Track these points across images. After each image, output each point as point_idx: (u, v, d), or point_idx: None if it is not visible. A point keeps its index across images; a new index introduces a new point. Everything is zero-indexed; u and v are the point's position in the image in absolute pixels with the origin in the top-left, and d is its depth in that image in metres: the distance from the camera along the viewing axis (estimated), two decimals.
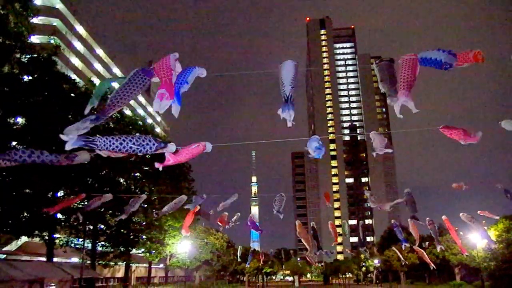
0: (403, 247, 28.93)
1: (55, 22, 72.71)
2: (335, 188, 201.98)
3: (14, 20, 25.37)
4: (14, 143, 27.73)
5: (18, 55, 27.67)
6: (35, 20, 36.05)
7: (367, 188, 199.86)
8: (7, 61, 26.09)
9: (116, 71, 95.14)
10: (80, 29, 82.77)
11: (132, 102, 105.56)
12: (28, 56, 28.05)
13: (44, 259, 36.53)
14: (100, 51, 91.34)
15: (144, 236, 45.04)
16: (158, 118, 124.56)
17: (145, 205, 40.68)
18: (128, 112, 70.58)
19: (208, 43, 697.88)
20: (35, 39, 48.76)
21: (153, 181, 43.47)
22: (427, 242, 55.56)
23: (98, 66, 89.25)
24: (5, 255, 38.29)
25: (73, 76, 40.85)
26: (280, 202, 15.68)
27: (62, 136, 5.87)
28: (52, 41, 38.14)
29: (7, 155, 7.14)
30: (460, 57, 7.17)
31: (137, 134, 7.02)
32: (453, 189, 17.17)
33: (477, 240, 37.26)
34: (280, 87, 7.84)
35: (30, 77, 28.72)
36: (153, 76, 7.15)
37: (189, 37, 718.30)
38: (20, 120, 28.50)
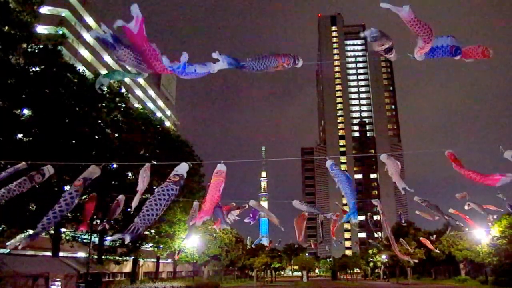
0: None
1: (64, 12, 71.88)
2: None
3: (18, 8, 24.69)
4: (20, 135, 27.13)
5: (24, 46, 27.01)
6: (43, 10, 35.44)
7: (376, 184, 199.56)
8: (12, 51, 25.41)
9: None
10: (89, 20, 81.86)
11: (141, 95, 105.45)
12: (34, 47, 27.33)
13: (49, 253, 36.00)
14: None
15: (152, 231, 44.50)
16: (168, 112, 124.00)
17: None
18: (137, 105, 70.21)
19: (217, 38, 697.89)
20: (43, 29, 48.14)
21: (161, 177, 42.83)
22: (435, 236, 56.45)
23: (108, 59, 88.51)
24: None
25: (82, 68, 40.25)
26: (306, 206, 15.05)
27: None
28: (60, 32, 37.36)
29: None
30: (469, 51, 7.08)
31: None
32: (460, 192, 16.65)
33: (482, 235, 39.61)
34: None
35: (37, 68, 28.06)
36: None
37: (200, 31, 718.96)
38: (26, 112, 27.87)
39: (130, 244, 41.66)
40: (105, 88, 36.07)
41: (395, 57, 7.05)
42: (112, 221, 38.45)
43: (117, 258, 43.84)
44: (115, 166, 35.63)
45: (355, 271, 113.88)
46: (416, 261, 47.30)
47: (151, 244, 48.35)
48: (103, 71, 77.78)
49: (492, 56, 7.04)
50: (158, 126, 47.64)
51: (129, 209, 37.01)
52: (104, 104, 36.12)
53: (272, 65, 6.97)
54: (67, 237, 36.75)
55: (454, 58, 6.98)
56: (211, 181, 8.44)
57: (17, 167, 9.12)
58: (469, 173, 8.50)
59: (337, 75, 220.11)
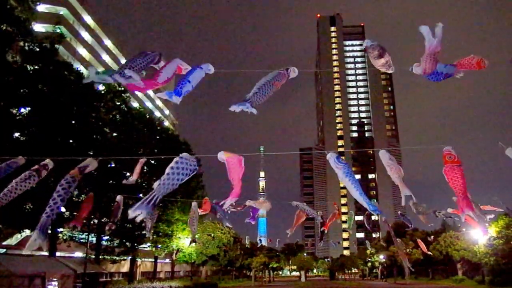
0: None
1: (62, 11, 71.43)
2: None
3: (15, 4, 24.41)
4: (17, 134, 26.84)
5: (21, 44, 26.74)
6: (41, 9, 35.11)
7: (374, 185, 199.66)
8: (9, 49, 25.10)
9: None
10: (88, 19, 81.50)
11: (140, 94, 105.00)
12: (31, 45, 27.02)
13: (46, 253, 35.68)
14: (108, 42, 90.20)
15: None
16: (166, 112, 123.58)
17: None
18: (136, 104, 69.92)
19: (216, 37, 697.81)
20: (40, 28, 47.80)
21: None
22: (432, 236, 56.60)
23: (106, 58, 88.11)
24: (5, 250, 37.38)
25: (81, 68, 39.96)
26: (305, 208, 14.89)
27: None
28: (58, 30, 37.08)
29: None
30: (464, 62, 7.07)
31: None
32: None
33: (479, 236, 39.66)
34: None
35: (35, 67, 27.76)
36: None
37: (199, 31, 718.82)
38: (23, 110, 27.56)
39: (128, 243, 41.40)
40: (102, 87, 35.90)
41: (393, 69, 7.15)
42: (109, 220, 38.33)
43: (114, 257, 43.55)
44: (113, 165, 35.41)
45: (353, 271, 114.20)
46: (412, 269, 48.26)
47: (149, 244, 48.05)
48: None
49: (488, 66, 7.02)
50: (157, 126, 47.42)
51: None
52: (102, 103, 35.88)
53: (272, 90, 7.22)
54: (64, 237, 36.40)
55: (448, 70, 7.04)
56: (228, 160, 7.55)
57: (15, 161, 8.90)
58: (458, 188, 7.67)
59: (336, 75, 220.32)
